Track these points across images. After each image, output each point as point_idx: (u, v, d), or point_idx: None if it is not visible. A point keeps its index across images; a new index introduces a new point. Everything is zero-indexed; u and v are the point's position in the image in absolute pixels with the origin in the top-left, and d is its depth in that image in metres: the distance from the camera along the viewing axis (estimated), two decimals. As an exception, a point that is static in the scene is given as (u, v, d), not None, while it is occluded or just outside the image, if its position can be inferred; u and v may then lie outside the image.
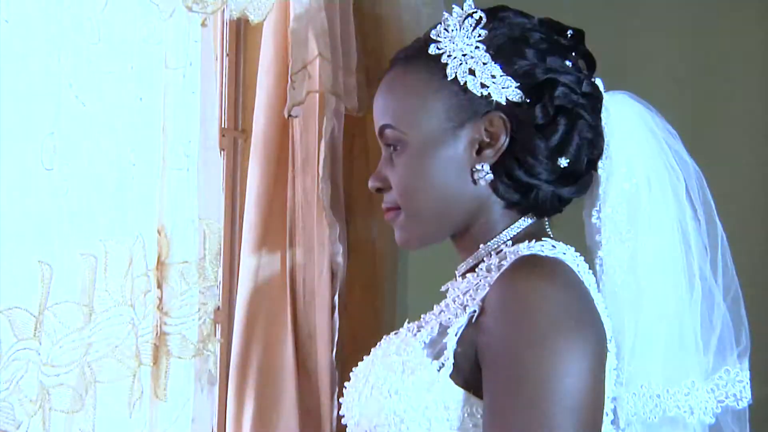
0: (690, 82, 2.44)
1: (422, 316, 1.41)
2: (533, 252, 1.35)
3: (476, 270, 1.39)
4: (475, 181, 1.41)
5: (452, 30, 1.42)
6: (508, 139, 1.39)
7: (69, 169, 1.31)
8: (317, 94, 1.86)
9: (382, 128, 1.45)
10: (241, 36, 1.94)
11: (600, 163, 1.44)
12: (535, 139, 1.39)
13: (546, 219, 1.45)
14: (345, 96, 1.90)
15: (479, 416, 1.30)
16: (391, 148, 1.45)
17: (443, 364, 1.31)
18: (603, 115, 1.43)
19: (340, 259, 1.89)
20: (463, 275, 1.43)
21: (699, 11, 2.44)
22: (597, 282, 1.42)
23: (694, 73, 2.46)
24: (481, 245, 1.43)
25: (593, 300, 1.35)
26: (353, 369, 1.43)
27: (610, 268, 1.43)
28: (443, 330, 1.34)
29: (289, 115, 1.82)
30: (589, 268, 1.41)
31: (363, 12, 1.99)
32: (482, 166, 1.40)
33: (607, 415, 1.36)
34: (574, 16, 1.54)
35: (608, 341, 1.36)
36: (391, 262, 2.12)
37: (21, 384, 1.23)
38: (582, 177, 1.43)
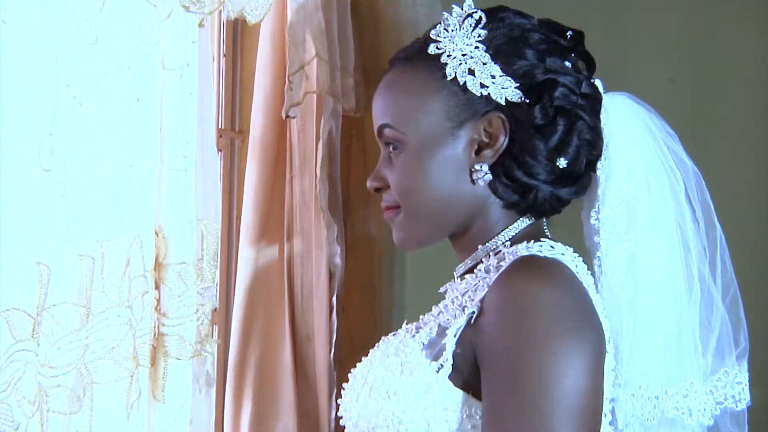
0: (689, 83, 2.44)
1: (421, 317, 1.41)
2: (532, 253, 1.35)
3: (475, 271, 1.39)
4: (473, 182, 1.41)
5: (452, 30, 1.41)
6: (507, 140, 1.39)
7: (66, 170, 1.30)
8: (315, 95, 1.85)
9: (381, 128, 1.45)
10: (238, 37, 1.94)
11: (599, 164, 1.44)
12: (534, 140, 1.38)
13: (545, 220, 1.45)
14: (342, 96, 1.90)
15: (478, 417, 1.30)
16: (390, 147, 1.44)
17: (442, 366, 1.31)
18: (602, 116, 1.43)
19: (338, 259, 1.89)
20: (462, 276, 1.42)
21: (698, 11, 2.44)
22: (595, 283, 1.42)
23: (694, 74, 2.46)
24: (480, 246, 1.43)
25: (592, 301, 1.35)
26: (351, 370, 1.43)
27: (609, 268, 1.43)
28: (442, 331, 1.34)
29: (287, 116, 1.82)
30: (588, 269, 1.41)
31: (360, 12, 1.99)
32: (481, 167, 1.40)
33: (605, 416, 1.36)
34: (573, 16, 1.54)
35: (607, 342, 1.36)
36: (389, 263, 2.12)
37: (19, 385, 1.23)
38: (581, 178, 1.43)
